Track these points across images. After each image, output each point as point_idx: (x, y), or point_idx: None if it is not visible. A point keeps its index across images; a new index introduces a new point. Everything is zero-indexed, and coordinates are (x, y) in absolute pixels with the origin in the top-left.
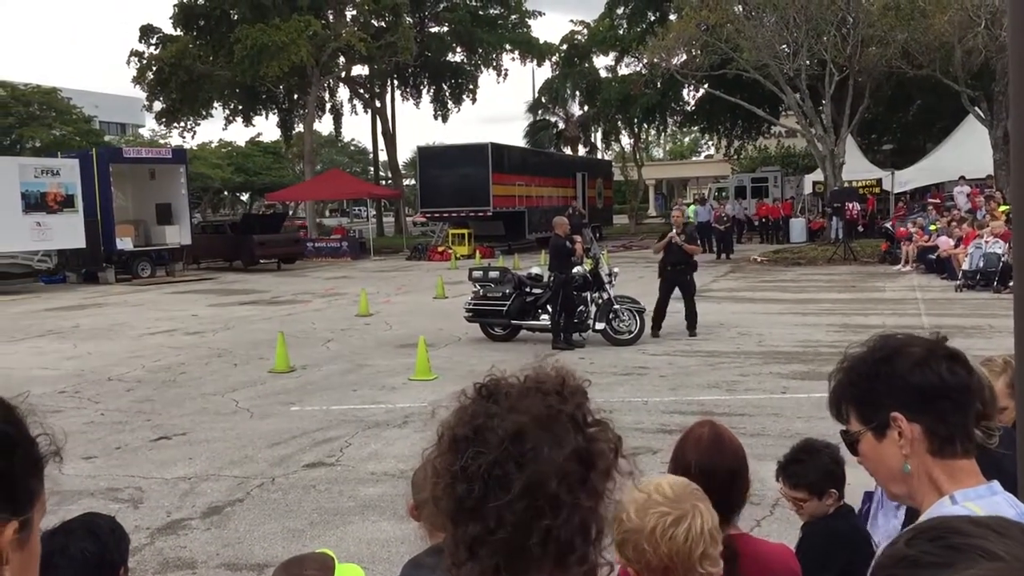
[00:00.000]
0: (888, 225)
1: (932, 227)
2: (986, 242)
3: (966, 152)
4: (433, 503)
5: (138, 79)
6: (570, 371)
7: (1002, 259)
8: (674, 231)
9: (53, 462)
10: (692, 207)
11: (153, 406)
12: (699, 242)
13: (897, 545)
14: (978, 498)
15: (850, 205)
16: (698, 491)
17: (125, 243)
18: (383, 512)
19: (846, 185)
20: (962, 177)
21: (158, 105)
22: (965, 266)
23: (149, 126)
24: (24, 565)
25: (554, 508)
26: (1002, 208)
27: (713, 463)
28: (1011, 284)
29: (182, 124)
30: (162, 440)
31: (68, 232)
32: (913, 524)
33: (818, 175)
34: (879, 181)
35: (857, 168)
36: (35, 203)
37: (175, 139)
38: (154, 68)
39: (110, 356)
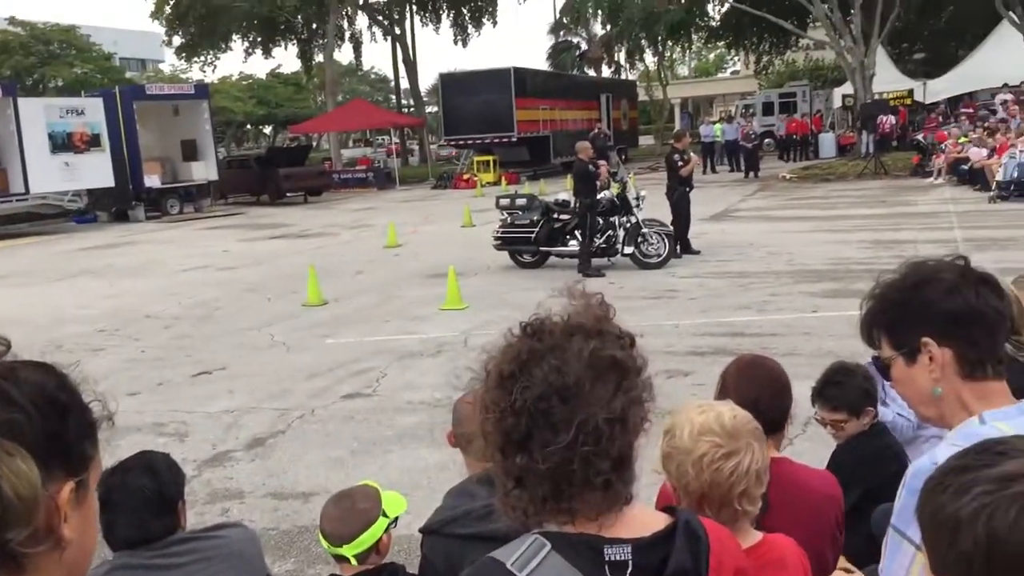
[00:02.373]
0: (920, 137)
1: (963, 139)
2: (1021, 151)
3: (1000, 58)
4: (482, 436)
5: (156, 14)
6: (605, 309)
7: None
8: (692, 154)
9: (106, 426)
10: (719, 125)
11: (192, 342)
12: (726, 160)
13: (948, 462)
14: (1007, 418)
15: (883, 119)
16: (757, 429)
17: (153, 180)
18: (421, 440)
19: (876, 97)
20: (1006, 84)
21: (177, 40)
22: (999, 177)
23: (169, 61)
24: (83, 521)
25: (596, 440)
26: None
27: (756, 390)
28: None
29: (202, 58)
30: (203, 375)
31: (96, 171)
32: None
33: (847, 88)
34: (910, 92)
35: (887, 79)
36: (62, 143)
37: (196, 73)
38: (172, 2)
39: (145, 294)
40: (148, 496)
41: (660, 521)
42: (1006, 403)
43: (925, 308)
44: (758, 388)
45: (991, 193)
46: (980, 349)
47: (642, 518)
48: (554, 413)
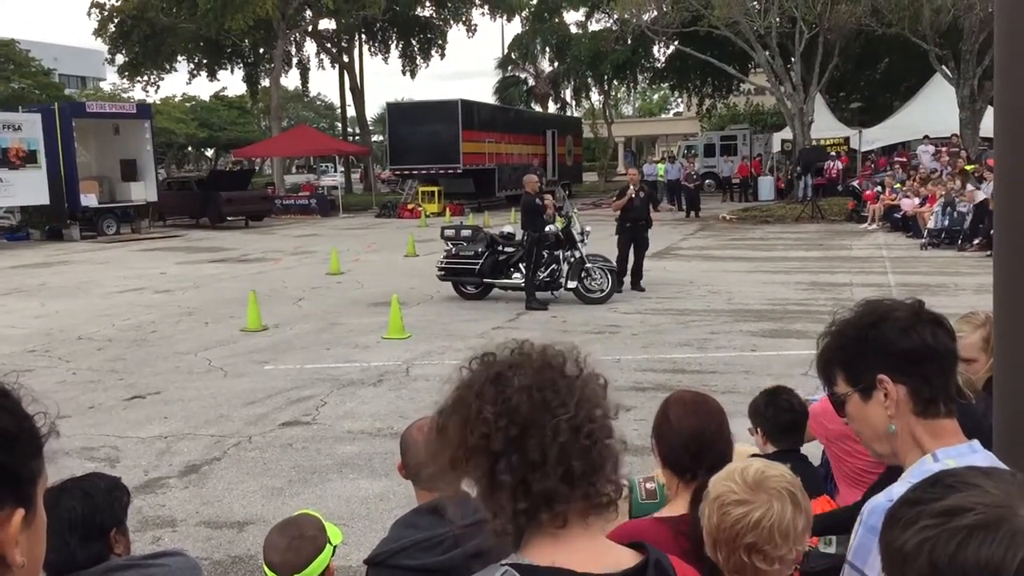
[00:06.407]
0: (855, 184)
1: (897, 186)
2: (956, 200)
3: (932, 110)
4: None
5: (99, 31)
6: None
7: (967, 218)
8: (631, 188)
9: (52, 438)
10: (662, 165)
11: (125, 365)
12: (667, 200)
13: (904, 494)
14: (959, 456)
15: (829, 164)
16: (788, 492)
17: (90, 199)
18: (361, 470)
19: (814, 143)
20: (926, 136)
21: (120, 58)
22: (930, 224)
23: (110, 80)
24: (33, 539)
25: (580, 451)
26: (968, 167)
27: (697, 428)
28: (975, 242)
29: (145, 78)
30: (136, 399)
31: (31, 188)
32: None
33: (787, 133)
34: (847, 139)
35: (825, 126)
36: None
37: (138, 93)
38: (116, 20)
39: (79, 314)
40: (74, 520)
41: (631, 558)
42: (957, 441)
43: (882, 346)
44: (703, 423)
45: (923, 240)
46: (933, 387)
47: (613, 553)
48: (530, 435)
